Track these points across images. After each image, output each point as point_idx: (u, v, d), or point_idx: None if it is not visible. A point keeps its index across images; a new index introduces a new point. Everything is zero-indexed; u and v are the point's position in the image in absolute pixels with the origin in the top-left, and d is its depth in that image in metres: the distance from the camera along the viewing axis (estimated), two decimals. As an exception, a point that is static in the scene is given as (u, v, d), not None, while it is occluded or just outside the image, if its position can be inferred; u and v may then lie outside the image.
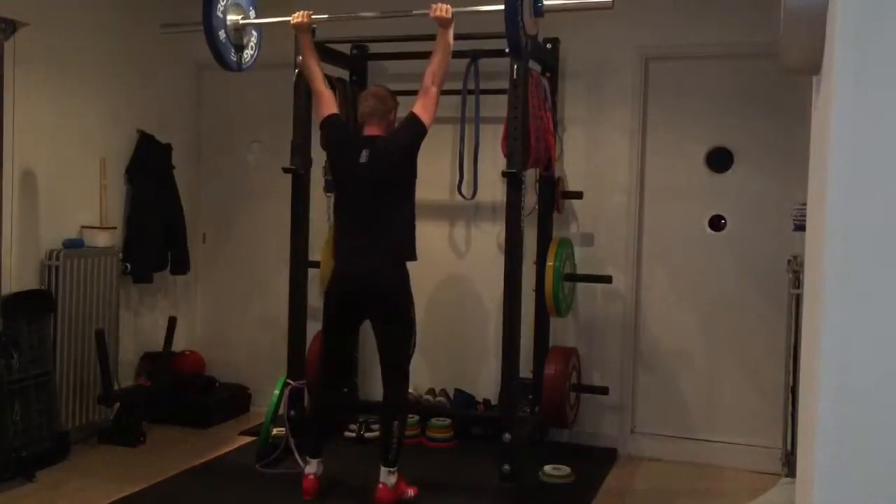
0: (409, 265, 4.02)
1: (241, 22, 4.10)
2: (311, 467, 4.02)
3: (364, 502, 3.91)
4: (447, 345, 5.25)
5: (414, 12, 3.94)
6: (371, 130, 3.97)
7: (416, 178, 3.97)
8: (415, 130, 3.89)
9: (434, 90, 3.88)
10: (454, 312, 5.24)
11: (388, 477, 3.87)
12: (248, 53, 4.23)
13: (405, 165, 3.92)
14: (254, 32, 4.23)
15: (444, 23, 3.84)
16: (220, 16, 4.00)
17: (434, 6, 3.82)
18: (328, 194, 4.69)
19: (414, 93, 5.06)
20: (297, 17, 4.02)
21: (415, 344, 4.00)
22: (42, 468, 4.27)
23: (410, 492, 3.99)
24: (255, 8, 4.23)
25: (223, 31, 4.03)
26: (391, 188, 3.89)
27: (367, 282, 3.89)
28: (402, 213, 3.91)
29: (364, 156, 3.88)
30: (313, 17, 4.04)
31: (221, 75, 5.68)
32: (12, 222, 4.35)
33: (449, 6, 3.81)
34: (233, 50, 4.11)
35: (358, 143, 3.96)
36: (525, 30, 3.55)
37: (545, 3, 3.62)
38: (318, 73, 4.08)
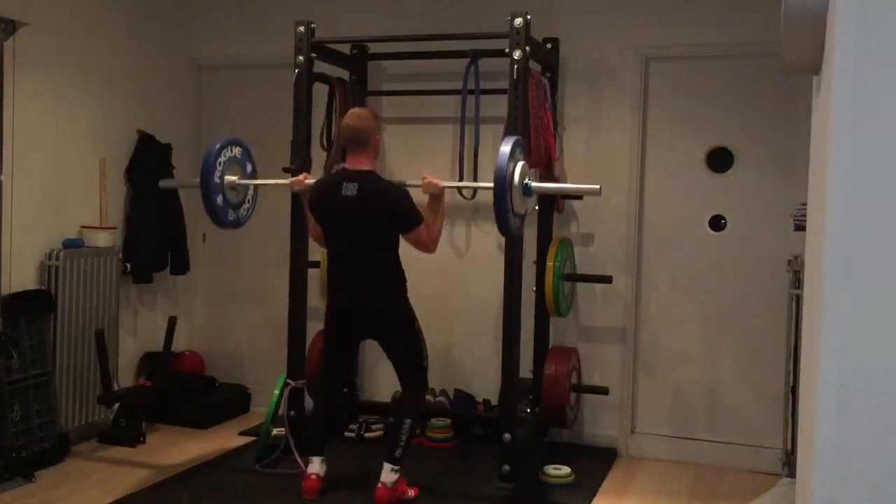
0: (409, 266, 4.03)
1: (237, 182, 4.26)
2: (314, 466, 4.02)
3: (364, 502, 3.91)
4: (447, 345, 5.24)
5: (407, 182, 4.09)
6: (356, 163, 3.93)
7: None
8: (409, 217, 3.88)
9: (432, 242, 3.96)
10: (454, 312, 5.24)
11: (388, 475, 3.87)
12: (244, 208, 4.34)
13: (392, 222, 3.91)
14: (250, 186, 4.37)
15: (436, 193, 3.95)
16: (218, 181, 4.11)
17: (426, 177, 3.96)
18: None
19: (413, 92, 5.11)
20: (294, 186, 4.19)
21: (427, 354, 4.04)
22: (42, 468, 4.26)
23: (411, 492, 4.00)
24: (251, 160, 4.34)
25: (220, 195, 4.13)
26: (380, 222, 3.90)
27: (365, 308, 3.95)
28: (391, 240, 3.94)
29: (350, 188, 3.86)
30: (307, 182, 4.16)
31: (221, 75, 5.72)
32: (12, 222, 4.35)
33: (440, 182, 3.97)
34: (230, 210, 4.22)
35: (339, 177, 3.96)
36: (514, 209, 3.72)
37: (533, 185, 3.82)
38: (315, 229, 4.12)
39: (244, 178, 4.31)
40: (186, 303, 5.73)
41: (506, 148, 3.66)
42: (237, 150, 4.30)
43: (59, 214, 4.71)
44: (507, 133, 4.20)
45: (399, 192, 3.93)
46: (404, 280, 4.01)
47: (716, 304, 4.81)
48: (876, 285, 1.26)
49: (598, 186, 3.95)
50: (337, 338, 4.07)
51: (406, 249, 4.01)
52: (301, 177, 4.22)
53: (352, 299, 3.96)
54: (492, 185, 3.65)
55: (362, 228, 3.89)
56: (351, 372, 5.10)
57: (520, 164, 3.73)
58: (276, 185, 4.42)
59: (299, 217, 4.56)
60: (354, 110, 4.13)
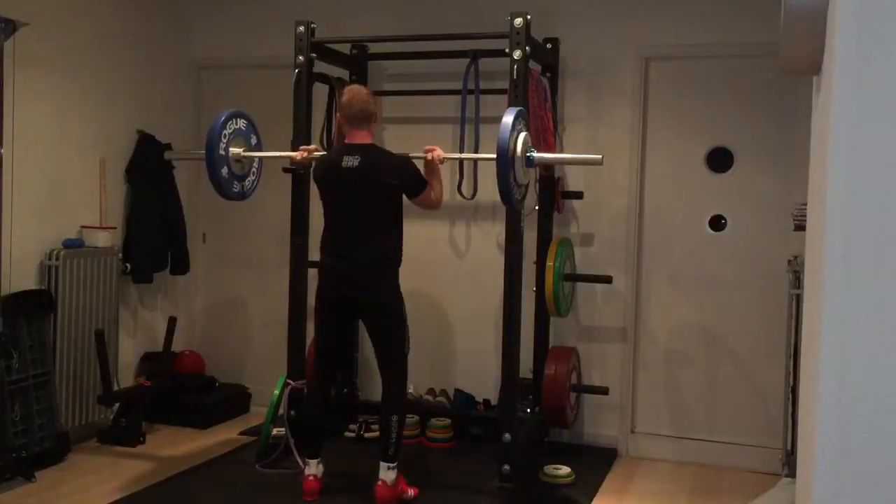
0: (409, 265, 4.02)
1: (243, 154, 4.22)
2: (311, 468, 4.02)
3: (364, 502, 3.91)
4: (447, 345, 5.25)
5: (411, 154, 4.06)
6: (357, 137, 3.93)
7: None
8: (416, 180, 3.91)
9: (438, 201, 4.01)
10: (454, 312, 5.24)
11: (387, 473, 3.87)
12: (249, 180, 4.33)
13: (399, 190, 3.92)
14: (255, 159, 4.35)
15: (438, 161, 3.97)
16: (223, 153, 4.08)
17: (430, 149, 3.97)
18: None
19: (413, 93, 5.11)
20: (304, 153, 4.16)
21: (409, 341, 4.02)
22: (42, 468, 4.26)
23: (411, 492, 4.00)
24: (256, 133, 4.31)
25: (226, 167, 4.10)
26: (382, 196, 3.88)
27: (356, 283, 3.91)
28: (391, 218, 3.92)
29: (352, 161, 3.85)
30: (314, 155, 4.16)
31: (221, 75, 5.72)
32: (12, 222, 4.35)
33: (441, 152, 3.98)
34: (235, 182, 4.21)
35: (341, 151, 3.95)
36: (517, 180, 3.69)
37: (536, 155, 3.78)
38: None
39: (249, 151, 4.28)
40: (186, 303, 5.73)
41: (508, 119, 3.61)
42: (242, 123, 4.27)
43: (59, 214, 4.71)
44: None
45: (403, 159, 3.96)
46: (399, 264, 3.97)
47: (716, 304, 4.81)
48: (876, 285, 1.26)
49: (599, 157, 3.88)
50: (328, 316, 3.99)
51: (406, 248, 4.01)
52: (312, 147, 4.20)
53: (348, 285, 3.91)
54: (494, 156, 3.59)
55: (365, 202, 3.86)
56: (347, 371, 5.11)
57: (522, 135, 3.69)
58: (281, 157, 4.38)
59: (299, 213, 4.56)
60: (353, 88, 4.12)
